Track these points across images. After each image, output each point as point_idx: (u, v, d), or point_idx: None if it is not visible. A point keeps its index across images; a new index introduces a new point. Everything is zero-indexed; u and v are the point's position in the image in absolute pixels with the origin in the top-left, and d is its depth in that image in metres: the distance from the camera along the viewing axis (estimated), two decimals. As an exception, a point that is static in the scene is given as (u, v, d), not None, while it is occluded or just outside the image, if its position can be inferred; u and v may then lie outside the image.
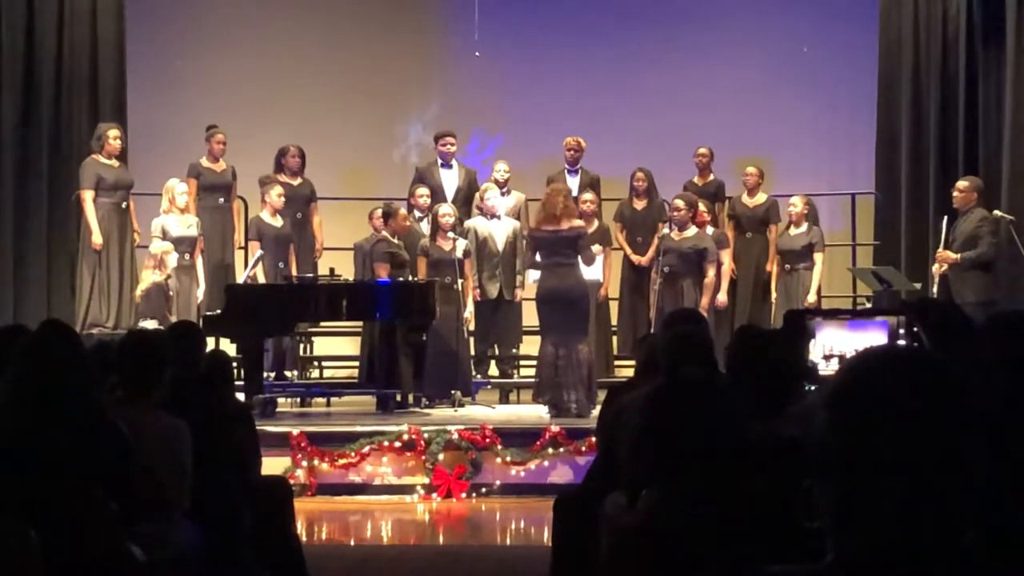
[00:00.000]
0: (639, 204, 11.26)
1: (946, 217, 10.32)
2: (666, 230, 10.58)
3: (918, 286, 10.49)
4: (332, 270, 10.43)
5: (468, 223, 10.83)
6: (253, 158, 11.38)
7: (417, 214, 10.90)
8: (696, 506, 2.69)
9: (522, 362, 11.35)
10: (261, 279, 10.49)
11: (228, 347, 9.48)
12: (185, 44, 13.30)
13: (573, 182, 11.17)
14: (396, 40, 13.53)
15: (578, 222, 9.73)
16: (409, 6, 13.89)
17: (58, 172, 11.47)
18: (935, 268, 10.18)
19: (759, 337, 4.29)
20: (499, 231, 10.78)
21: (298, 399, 11.14)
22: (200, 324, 9.21)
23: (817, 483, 1.51)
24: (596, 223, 10.80)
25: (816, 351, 5.96)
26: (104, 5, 11.80)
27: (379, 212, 10.61)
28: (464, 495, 8.76)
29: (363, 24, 13.65)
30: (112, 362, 4.68)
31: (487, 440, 8.91)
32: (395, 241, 10.34)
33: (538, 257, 9.68)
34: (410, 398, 10.28)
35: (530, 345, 10.84)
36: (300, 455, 8.79)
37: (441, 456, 8.81)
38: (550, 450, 8.88)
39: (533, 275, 10.24)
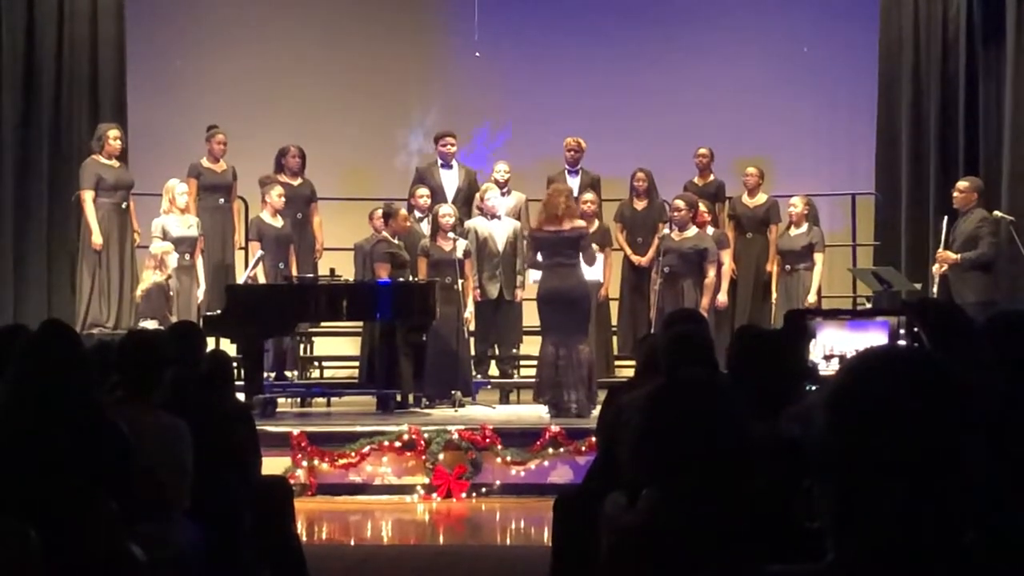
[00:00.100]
0: (639, 204, 11.26)
1: (946, 217, 10.32)
2: (666, 230, 10.58)
3: (918, 286, 10.49)
4: (332, 270, 10.43)
5: (468, 223, 10.83)
6: (253, 158, 11.38)
7: (417, 214, 10.90)
8: (696, 506, 2.69)
9: (522, 362, 11.35)
10: (261, 279, 10.49)
11: (228, 347, 9.48)
12: (185, 44, 13.30)
13: (573, 182, 11.16)
14: (396, 40, 13.53)
15: (580, 222, 9.73)
16: (409, 6, 13.89)
17: (58, 172, 11.47)
18: (935, 268, 10.18)
19: (759, 337, 4.29)
20: (499, 231, 10.78)
21: (298, 399, 11.14)
22: (200, 324, 9.21)
23: (817, 483, 1.52)
24: (596, 223, 10.80)
25: (817, 351, 5.95)
26: (104, 5, 11.80)
27: (379, 212, 10.61)
28: (464, 495, 8.76)
29: (363, 24, 13.65)
30: (112, 362, 4.68)
31: (487, 440, 8.91)
32: (395, 241, 10.34)
33: (539, 257, 9.68)
34: (410, 398, 10.29)
35: (530, 345, 10.84)
36: (300, 455, 8.79)
37: (441, 456, 8.81)
38: (550, 450, 8.88)
39: (533, 275, 10.25)
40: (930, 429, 1.46)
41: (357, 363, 10.85)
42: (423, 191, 11.00)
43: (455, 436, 8.88)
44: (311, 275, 10.72)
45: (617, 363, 11.40)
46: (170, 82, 13.08)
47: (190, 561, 4.45)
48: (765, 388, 3.73)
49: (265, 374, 10.13)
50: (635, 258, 11.10)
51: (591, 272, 10.10)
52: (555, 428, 8.95)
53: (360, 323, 10.56)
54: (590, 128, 11.93)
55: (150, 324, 9.63)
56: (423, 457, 8.83)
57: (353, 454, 8.83)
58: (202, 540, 4.61)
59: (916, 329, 4.26)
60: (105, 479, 3.88)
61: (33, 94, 11.57)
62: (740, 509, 2.67)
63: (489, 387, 11.09)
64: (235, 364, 8.15)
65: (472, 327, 10.64)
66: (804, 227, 10.94)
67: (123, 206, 10.81)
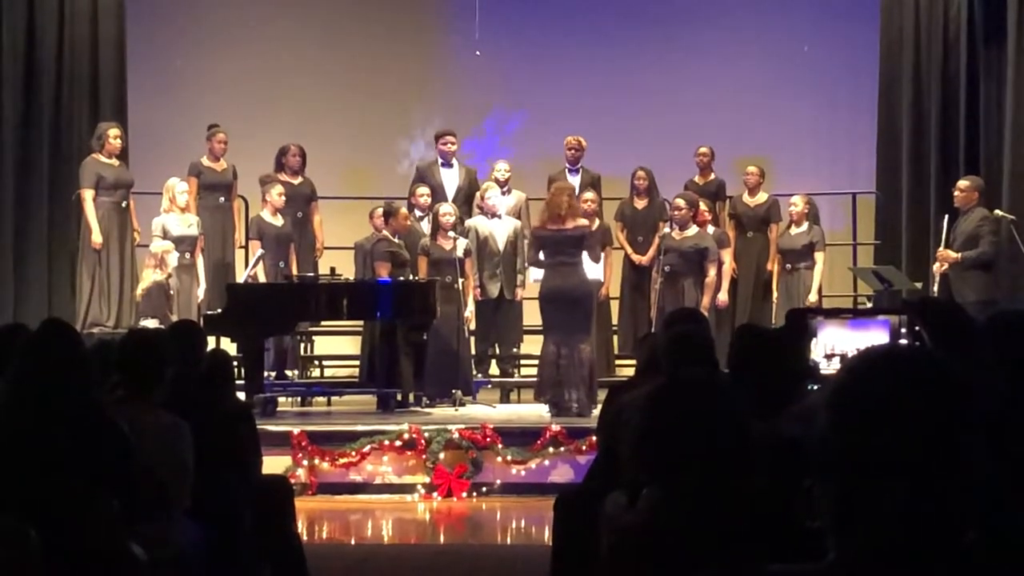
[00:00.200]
0: (640, 203, 11.26)
1: (947, 216, 10.31)
2: (667, 229, 10.58)
3: (919, 285, 10.49)
4: (333, 269, 10.43)
5: (469, 222, 10.83)
6: (254, 157, 11.38)
7: (418, 213, 10.90)
8: (697, 506, 2.69)
9: (523, 361, 11.35)
10: (262, 278, 10.49)
11: (229, 346, 9.48)
12: (185, 44, 13.30)
13: (574, 181, 11.14)
14: (396, 40, 13.53)
15: (583, 221, 9.73)
16: (409, 6, 13.89)
17: (58, 172, 11.47)
18: (936, 267, 10.18)
19: (760, 336, 4.29)
20: (500, 230, 10.78)
21: (299, 398, 11.14)
22: (201, 323, 9.21)
23: (818, 483, 1.51)
24: (597, 222, 10.79)
25: (818, 350, 5.96)
26: (104, 5, 11.80)
27: (380, 211, 10.61)
28: (465, 494, 8.76)
29: (363, 24, 13.65)
30: (113, 361, 4.68)
31: (488, 439, 8.91)
32: (396, 240, 10.34)
33: (542, 256, 9.68)
34: (411, 397, 10.29)
35: (531, 344, 10.85)
36: (301, 454, 8.79)
37: (442, 455, 8.81)
38: (551, 449, 8.88)
39: (534, 274, 10.25)
40: (931, 428, 1.46)
41: (357, 362, 10.86)
42: (423, 190, 11.00)
43: (456, 435, 8.88)
44: (311, 274, 10.71)
45: (618, 362, 11.39)
46: (170, 82, 13.08)
47: (190, 560, 4.45)
48: (766, 387, 3.73)
49: (265, 373, 10.14)
50: (636, 257, 11.10)
51: (592, 271, 10.10)
52: (556, 427, 8.95)
53: (360, 322, 10.56)
54: (590, 128, 11.93)
55: (150, 323, 9.63)
56: (423, 456, 8.83)
57: (354, 453, 8.83)
58: (202, 539, 4.61)
59: (917, 328, 4.26)
60: (105, 479, 3.88)
61: (33, 94, 11.56)
62: (740, 509, 2.67)
63: (489, 386, 11.09)
64: (235, 363, 8.14)
65: (472, 326, 10.64)
66: (805, 226, 10.95)
67: (123, 205, 10.81)
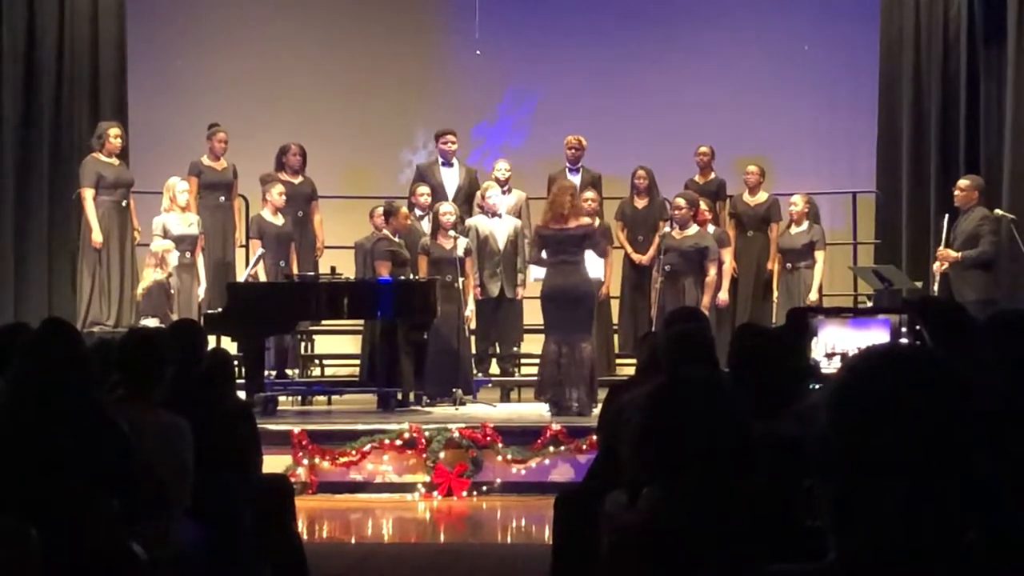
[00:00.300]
0: (640, 203, 11.26)
1: (947, 216, 10.31)
2: (667, 229, 10.58)
3: (919, 284, 10.49)
4: (333, 268, 10.43)
5: (469, 221, 10.84)
6: (254, 157, 11.38)
7: (418, 212, 10.91)
8: (697, 505, 2.69)
9: (523, 360, 11.35)
10: (262, 277, 10.49)
11: (229, 345, 9.48)
12: (185, 43, 13.30)
13: (574, 181, 11.15)
14: (396, 39, 13.53)
15: (585, 220, 9.73)
16: (409, 5, 13.89)
17: (58, 172, 11.47)
18: (936, 266, 10.17)
19: (760, 336, 4.29)
20: (500, 229, 10.78)
21: (299, 397, 11.14)
22: (201, 322, 9.21)
23: (818, 482, 1.51)
24: (597, 221, 10.79)
25: (818, 349, 5.96)
26: (104, 5, 11.80)
27: (380, 210, 10.61)
28: (465, 493, 8.76)
29: (363, 24, 13.65)
30: (113, 360, 4.68)
31: (488, 438, 8.91)
32: (396, 240, 10.34)
33: (544, 255, 9.68)
34: (411, 396, 10.28)
35: (531, 343, 10.85)
36: (301, 453, 8.80)
37: (442, 454, 8.81)
38: (551, 448, 8.88)
39: (535, 273, 10.25)
40: (931, 428, 1.46)
41: (358, 361, 10.85)
42: (424, 189, 11.01)
43: (456, 434, 8.88)
44: (312, 273, 10.71)
45: (618, 361, 11.40)
46: (170, 81, 13.08)
47: (191, 560, 4.45)
48: (766, 387, 3.73)
49: (266, 372, 10.14)
50: (636, 256, 11.10)
51: (592, 270, 10.10)
52: (556, 426, 8.95)
53: (361, 321, 10.57)
54: (590, 127, 11.93)
55: (151, 322, 9.63)
56: (424, 455, 8.83)
57: (354, 452, 8.83)
58: (203, 539, 4.61)
59: (917, 327, 4.26)
60: (105, 478, 3.88)
61: (33, 94, 11.56)
62: (740, 508, 2.67)
63: (490, 385, 11.09)
64: (236, 362, 8.14)
65: (473, 325, 10.65)
66: (805, 225, 10.95)
67: (123, 204, 10.81)
